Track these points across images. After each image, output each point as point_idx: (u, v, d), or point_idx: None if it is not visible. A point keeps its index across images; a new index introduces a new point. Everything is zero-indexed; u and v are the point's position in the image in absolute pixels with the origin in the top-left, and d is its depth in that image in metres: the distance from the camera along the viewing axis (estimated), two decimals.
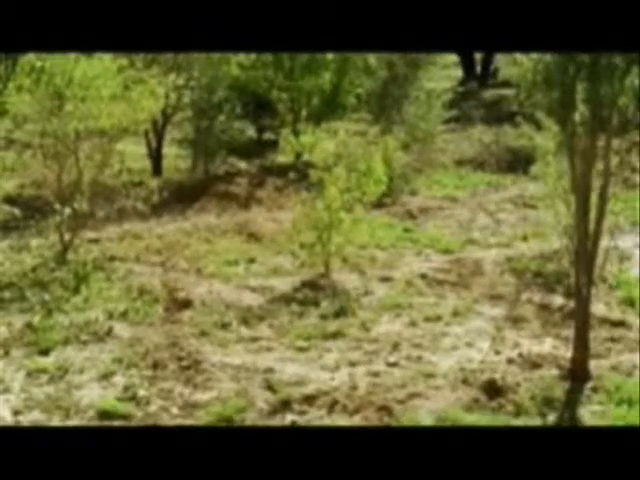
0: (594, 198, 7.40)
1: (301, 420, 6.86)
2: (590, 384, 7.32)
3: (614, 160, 7.45)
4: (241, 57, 15.51)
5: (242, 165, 15.58)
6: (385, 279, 10.12)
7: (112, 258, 10.69)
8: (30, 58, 10.47)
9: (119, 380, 7.54)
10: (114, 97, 10.58)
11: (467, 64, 23.91)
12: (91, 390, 7.37)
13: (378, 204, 11.87)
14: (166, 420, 6.89)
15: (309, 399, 7.17)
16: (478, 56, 23.96)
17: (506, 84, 17.10)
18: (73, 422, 6.80)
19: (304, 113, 15.91)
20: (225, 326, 8.73)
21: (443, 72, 22.25)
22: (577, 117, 7.30)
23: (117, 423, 6.79)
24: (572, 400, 7.09)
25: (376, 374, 7.63)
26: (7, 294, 9.48)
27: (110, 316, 8.87)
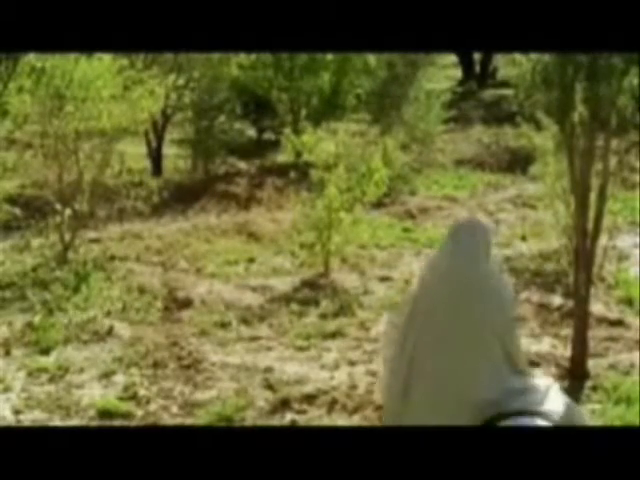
0: (593, 198, 7.41)
1: (300, 419, 6.88)
2: (589, 383, 7.34)
3: (613, 160, 7.46)
4: (241, 57, 15.55)
5: (242, 165, 15.61)
6: (384, 279, 10.15)
7: (112, 258, 10.72)
8: (30, 59, 10.50)
9: (119, 379, 7.56)
10: (114, 97, 10.61)
11: (466, 64, 23.95)
12: (91, 389, 7.39)
13: (377, 204, 11.90)
14: (166, 419, 6.91)
15: (309, 398, 7.19)
16: (477, 56, 24.00)
17: (505, 84, 17.13)
18: (73, 421, 6.82)
19: (304, 113, 15.96)
20: (225, 325, 8.75)
21: (442, 72, 22.29)
22: (576, 117, 7.31)
23: (117, 422, 6.81)
24: (571, 399, 7.11)
25: (375, 373, 7.64)
26: (8, 293, 9.52)
27: (110, 315, 8.90)
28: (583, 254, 7.42)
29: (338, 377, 7.60)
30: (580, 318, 7.55)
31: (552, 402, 4.00)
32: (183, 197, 13.60)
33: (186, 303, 9.28)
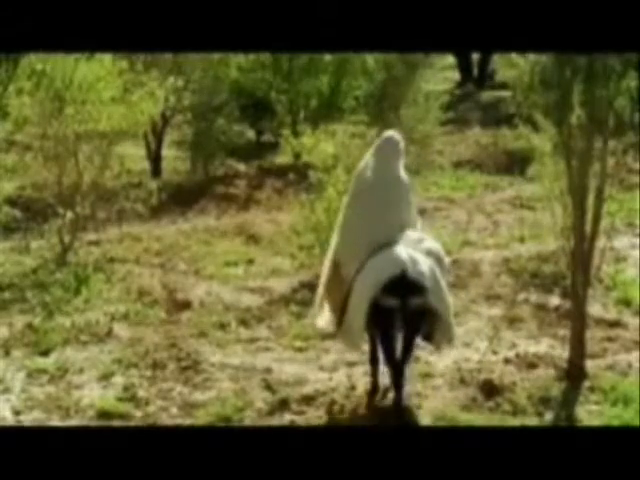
0: (591, 199, 7.43)
1: (299, 420, 6.90)
2: (586, 384, 7.35)
3: (610, 161, 7.48)
4: (240, 59, 15.54)
5: (241, 167, 15.60)
6: None
7: (112, 260, 10.72)
8: (31, 61, 10.52)
9: (119, 380, 7.58)
10: (114, 100, 10.63)
11: (464, 66, 23.91)
12: (91, 390, 7.42)
13: None
14: (165, 420, 6.92)
15: (307, 399, 7.21)
16: (475, 58, 23.96)
17: (503, 86, 17.10)
18: (73, 422, 6.83)
19: (302, 115, 15.95)
20: (224, 327, 8.77)
21: (440, 74, 22.29)
22: (574, 119, 7.32)
23: (116, 423, 6.82)
24: (569, 399, 7.13)
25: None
26: (8, 295, 9.54)
27: (110, 317, 8.91)
28: (581, 255, 7.44)
29: (336, 378, 7.61)
30: (578, 319, 7.57)
31: (422, 242, 6.70)
32: (182, 199, 13.60)
33: (185, 304, 9.30)
